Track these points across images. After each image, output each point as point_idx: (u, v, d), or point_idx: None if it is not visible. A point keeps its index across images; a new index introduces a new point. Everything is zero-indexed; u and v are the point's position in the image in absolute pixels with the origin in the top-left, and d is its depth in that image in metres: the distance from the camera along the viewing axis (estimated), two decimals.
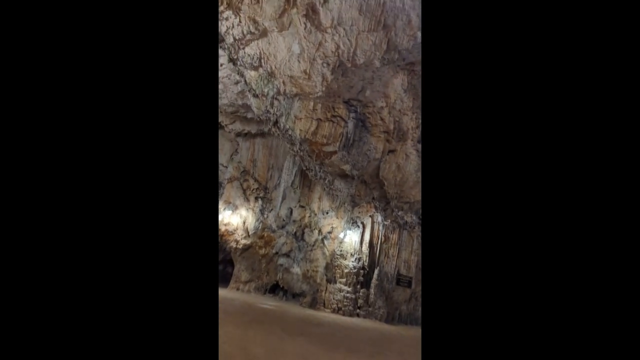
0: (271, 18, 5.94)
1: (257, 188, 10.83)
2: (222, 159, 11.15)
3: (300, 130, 6.79)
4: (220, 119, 9.86)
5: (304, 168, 8.92)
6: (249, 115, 9.23)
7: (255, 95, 6.80)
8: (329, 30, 6.07)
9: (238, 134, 10.83)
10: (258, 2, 5.80)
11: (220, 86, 7.92)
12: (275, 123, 7.07)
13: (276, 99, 6.63)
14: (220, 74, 7.58)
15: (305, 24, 5.99)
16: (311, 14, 5.94)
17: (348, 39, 6.13)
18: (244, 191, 10.85)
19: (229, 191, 10.83)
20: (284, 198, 9.94)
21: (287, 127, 6.83)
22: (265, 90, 6.61)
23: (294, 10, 5.90)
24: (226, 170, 11.11)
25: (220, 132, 10.92)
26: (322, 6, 5.88)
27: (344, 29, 6.03)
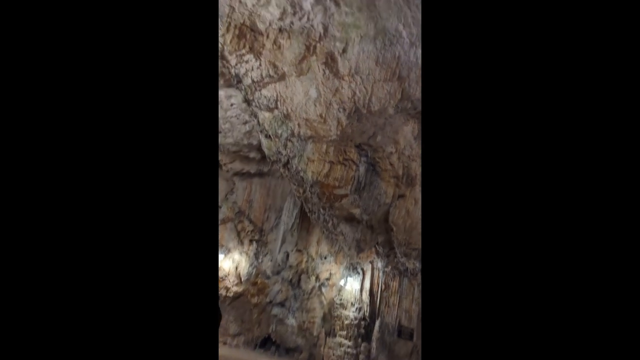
0: (291, 63, 6.07)
1: (252, 230, 10.31)
2: None
3: (313, 172, 6.66)
4: (220, 157, 9.60)
5: (307, 210, 8.65)
6: (252, 155, 9.08)
7: (268, 136, 6.70)
8: (346, 78, 6.26)
9: (235, 174, 10.54)
10: (279, 48, 5.95)
11: (228, 125, 7.81)
12: (286, 164, 6.93)
13: (290, 140, 6.56)
14: (229, 113, 7.51)
15: (324, 70, 6.17)
16: (330, 62, 6.15)
17: (364, 87, 6.33)
18: (238, 233, 10.28)
19: (222, 233, 10.22)
20: (283, 241, 9.47)
21: (300, 168, 6.70)
22: (279, 131, 6.55)
23: (314, 57, 6.09)
24: (219, 210, 10.59)
25: None
26: (340, 55, 6.12)
27: (361, 77, 6.25)
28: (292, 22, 5.83)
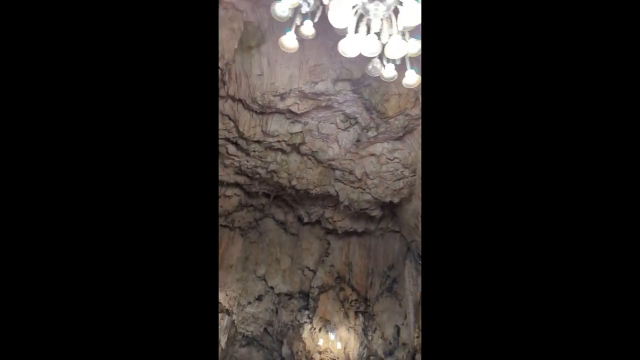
0: None
1: (356, 300, 8.87)
2: (309, 260, 9.29)
3: None
4: (331, 214, 8.51)
5: None
6: (374, 213, 8.08)
7: None
8: None
9: (329, 232, 9.37)
10: None
11: (376, 181, 6.92)
12: None
13: None
14: (385, 168, 6.69)
15: None
16: None
17: None
18: (342, 303, 8.78)
19: (324, 304, 8.67)
20: (417, 316, 8.11)
21: None
22: None
23: None
24: (315, 276, 9.14)
25: (307, 227, 9.39)
26: None
27: None
28: None
